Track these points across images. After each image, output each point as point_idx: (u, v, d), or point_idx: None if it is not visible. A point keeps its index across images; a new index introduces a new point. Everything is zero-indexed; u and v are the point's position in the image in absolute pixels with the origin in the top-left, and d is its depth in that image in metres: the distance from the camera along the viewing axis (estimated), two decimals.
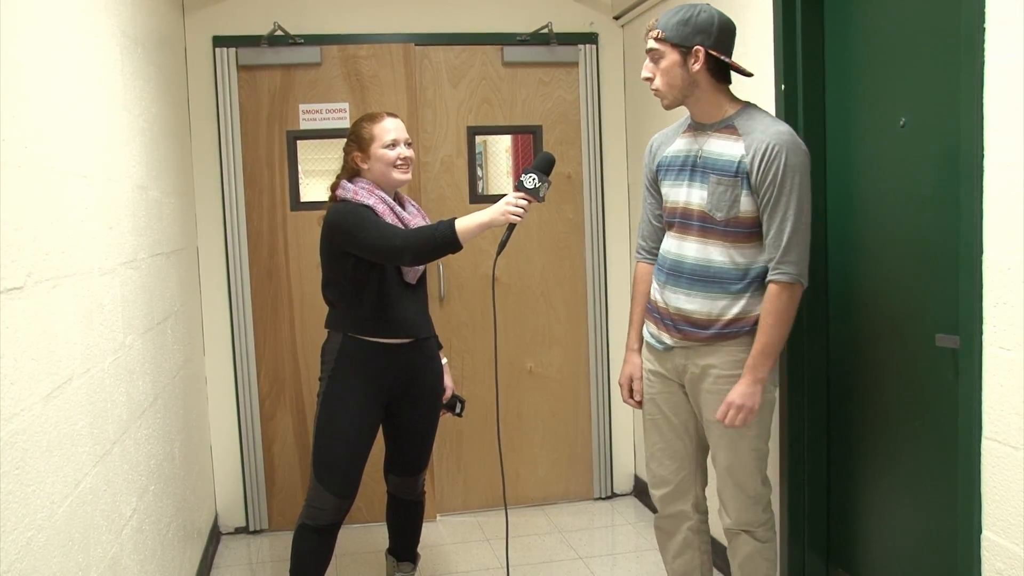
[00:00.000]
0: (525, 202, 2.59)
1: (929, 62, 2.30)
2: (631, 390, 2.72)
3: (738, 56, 3.02)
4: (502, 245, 2.63)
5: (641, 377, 2.67)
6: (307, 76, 3.94)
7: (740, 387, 2.37)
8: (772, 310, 2.34)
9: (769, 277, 2.35)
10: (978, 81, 1.92)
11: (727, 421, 2.38)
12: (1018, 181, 1.84)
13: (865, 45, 2.59)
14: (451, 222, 2.64)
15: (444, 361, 3.12)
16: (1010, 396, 1.90)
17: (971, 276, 1.98)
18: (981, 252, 1.95)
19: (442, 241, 2.63)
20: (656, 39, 2.37)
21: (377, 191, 2.80)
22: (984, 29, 1.90)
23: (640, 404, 2.69)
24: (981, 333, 1.97)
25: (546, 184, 2.60)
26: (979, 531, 2.00)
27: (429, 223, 2.92)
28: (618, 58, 4.23)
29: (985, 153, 1.92)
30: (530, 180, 2.59)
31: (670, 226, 2.54)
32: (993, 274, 1.93)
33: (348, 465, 2.83)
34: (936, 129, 2.27)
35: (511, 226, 2.63)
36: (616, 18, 4.16)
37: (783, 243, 2.31)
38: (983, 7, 1.90)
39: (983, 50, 1.91)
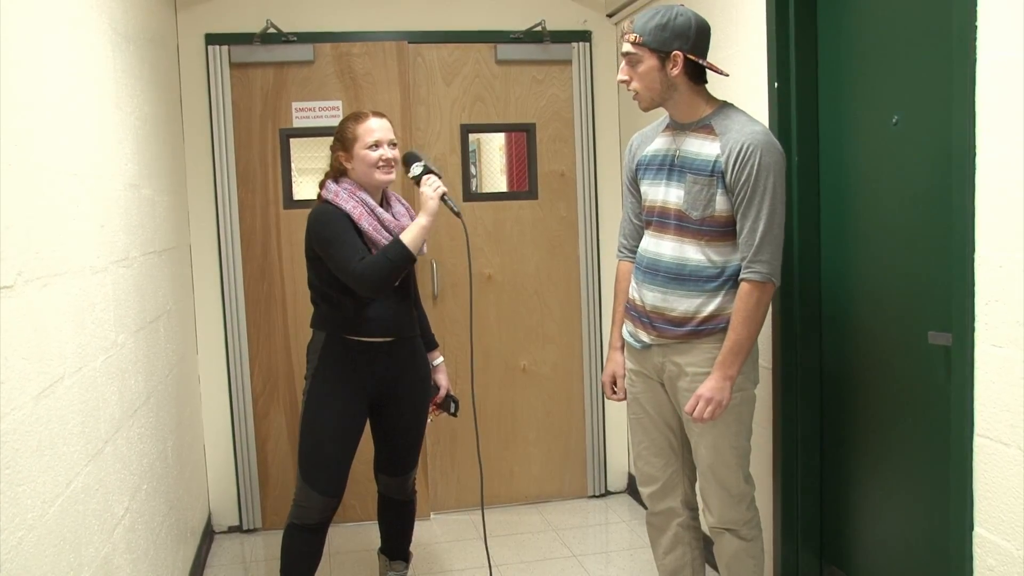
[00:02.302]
0: (433, 177, 2.79)
1: (921, 60, 2.31)
2: (614, 388, 2.75)
3: (731, 54, 3.03)
4: (457, 214, 2.79)
5: (624, 375, 2.70)
6: (300, 74, 3.93)
7: (709, 382, 2.39)
8: (742, 308, 2.35)
9: (741, 276, 2.37)
10: (970, 79, 1.92)
11: (695, 415, 2.40)
12: (1009, 179, 1.84)
13: (858, 43, 2.59)
14: (397, 241, 2.72)
15: (440, 360, 3.12)
16: (1002, 393, 1.90)
17: (963, 273, 1.98)
18: (973, 250, 1.95)
19: (399, 260, 2.71)
20: (633, 43, 2.37)
21: (359, 193, 2.80)
22: (976, 27, 1.90)
23: (624, 399, 2.72)
24: (973, 330, 1.97)
25: (424, 160, 2.83)
26: (971, 528, 2.00)
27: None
28: (611, 56, 4.23)
29: (977, 151, 1.92)
30: (415, 168, 2.81)
31: (648, 225, 2.56)
32: (985, 271, 1.93)
33: (334, 463, 2.83)
34: (929, 127, 2.27)
35: (443, 198, 2.78)
36: (610, 16, 4.16)
37: (755, 242, 2.33)
38: (975, 5, 1.90)
39: (975, 48, 1.91)
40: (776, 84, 2.79)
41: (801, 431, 2.87)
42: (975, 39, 1.91)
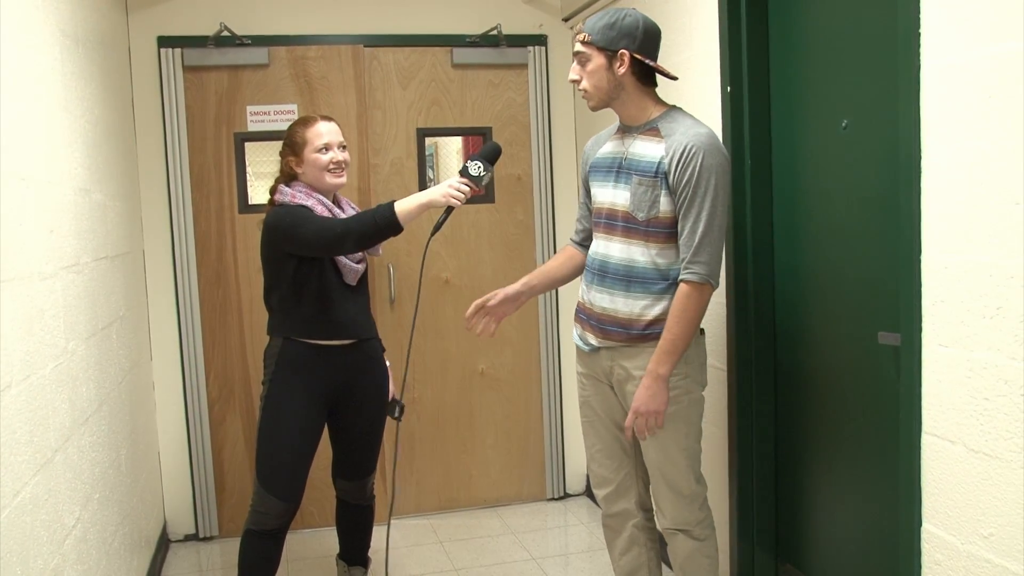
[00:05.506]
0: (467, 188, 2.65)
1: (869, 67, 2.35)
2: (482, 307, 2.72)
3: (685, 59, 3.07)
4: (438, 226, 2.70)
5: (507, 297, 2.71)
6: (255, 77, 3.89)
7: (641, 391, 2.40)
8: (679, 308, 2.36)
9: (680, 276, 2.38)
10: (915, 85, 1.97)
11: (637, 431, 2.42)
12: (953, 182, 1.89)
13: (808, 50, 2.64)
14: (390, 204, 2.65)
15: (387, 364, 3.11)
16: (948, 392, 1.95)
17: (910, 275, 2.02)
18: (920, 252, 1.99)
19: (383, 223, 2.64)
20: (582, 42, 2.41)
21: (315, 194, 2.79)
22: (920, 35, 1.95)
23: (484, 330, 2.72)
24: (921, 331, 2.01)
25: (489, 173, 2.68)
26: (919, 524, 2.05)
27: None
28: (567, 60, 4.24)
29: (922, 155, 1.97)
30: (475, 167, 2.65)
31: (597, 227, 2.57)
32: (931, 273, 1.97)
33: (292, 469, 2.80)
34: (877, 131, 2.32)
35: (448, 208, 2.68)
36: (565, 20, 4.18)
37: (695, 243, 2.34)
38: (919, 14, 1.95)
39: (919, 55, 1.95)
40: (729, 88, 2.83)
41: (755, 431, 2.91)
42: (919, 46, 1.95)
